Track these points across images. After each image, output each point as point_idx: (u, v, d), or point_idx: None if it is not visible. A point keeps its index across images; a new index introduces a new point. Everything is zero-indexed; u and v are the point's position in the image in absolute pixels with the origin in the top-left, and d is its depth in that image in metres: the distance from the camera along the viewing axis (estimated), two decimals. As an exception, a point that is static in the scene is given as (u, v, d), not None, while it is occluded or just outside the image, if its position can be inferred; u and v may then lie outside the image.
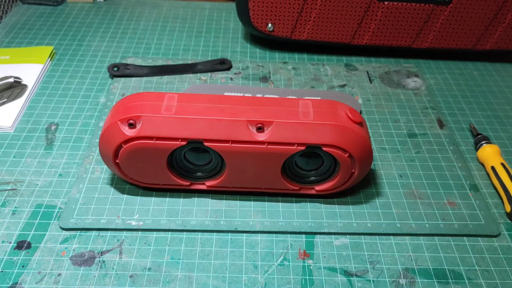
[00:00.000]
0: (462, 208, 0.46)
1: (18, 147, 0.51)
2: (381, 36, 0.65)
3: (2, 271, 0.39)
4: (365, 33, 0.65)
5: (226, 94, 0.58)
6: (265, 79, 0.63)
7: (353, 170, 0.43)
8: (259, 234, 0.43)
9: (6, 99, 0.56)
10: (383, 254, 0.42)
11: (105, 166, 0.48)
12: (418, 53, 0.69)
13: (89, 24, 0.74)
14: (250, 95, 0.58)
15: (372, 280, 0.40)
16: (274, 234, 0.43)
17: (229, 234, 0.43)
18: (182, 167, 0.45)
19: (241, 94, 0.58)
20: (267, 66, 0.65)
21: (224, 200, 0.46)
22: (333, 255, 0.42)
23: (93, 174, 0.48)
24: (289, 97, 0.52)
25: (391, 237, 0.43)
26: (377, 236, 0.43)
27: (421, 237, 0.43)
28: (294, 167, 0.44)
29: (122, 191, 0.46)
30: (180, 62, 0.65)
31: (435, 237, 0.44)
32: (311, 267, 0.41)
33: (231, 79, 0.62)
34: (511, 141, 0.55)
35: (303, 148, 0.41)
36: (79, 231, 0.43)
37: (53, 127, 0.54)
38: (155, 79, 0.62)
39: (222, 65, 0.64)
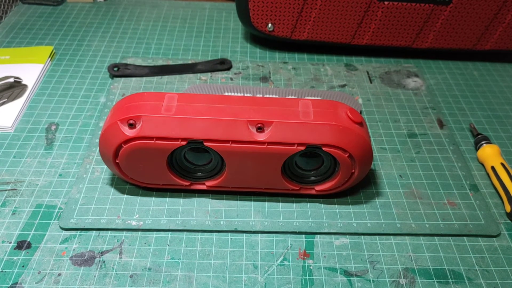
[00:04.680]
0: (462, 208, 0.46)
1: (18, 147, 0.51)
2: (381, 36, 0.65)
3: (2, 271, 0.39)
4: (365, 33, 0.65)
5: (226, 94, 0.58)
6: (265, 79, 0.63)
7: (353, 170, 0.43)
8: (259, 234, 0.43)
9: (6, 99, 0.56)
10: (383, 254, 0.42)
11: (105, 166, 0.48)
12: (418, 53, 0.69)
13: (89, 24, 0.74)
14: (250, 95, 0.58)
15: (372, 280, 0.40)
16: (274, 234, 0.43)
17: (229, 234, 0.43)
18: (182, 167, 0.45)
19: (241, 94, 0.58)
20: (267, 66, 0.65)
21: (224, 200, 0.46)
22: (333, 255, 0.42)
23: (93, 174, 0.48)
24: (289, 97, 0.52)
25: (391, 237, 0.43)
26: (377, 236, 0.43)
27: (421, 237, 0.43)
28: (294, 167, 0.44)
29: (122, 191, 0.46)
30: (180, 62, 0.65)
31: (435, 237, 0.44)
32: (311, 267, 0.41)
33: (231, 79, 0.62)
34: (511, 141, 0.55)
35: (303, 148, 0.41)
36: (79, 231, 0.43)
37: (53, 127, 0.54)
38: (155, 79, 0.62)
39: (222, 65, 0.64)
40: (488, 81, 0.65)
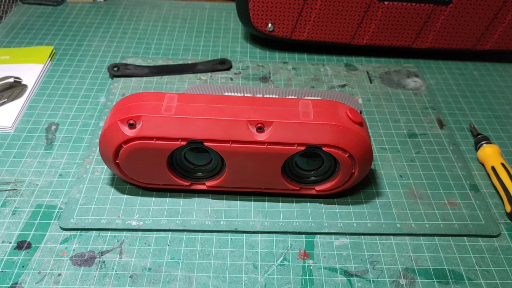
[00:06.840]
0: (462, 208, 0.46)
1: (18, 147, 0.51)
2: (381, 36, 0.65)
3: (2, 271, 0.39)
4: (365, 33, 0.65)
5: (226, 94, 0.58)
6: (265, 79, 0.63)
7: (353, 170, 0.43)
8: (259, 234, 0.43)
9: (6, 99, 0.56)
10: (383, 254, 0.42)
11: (105, 166, 0.48)
12: (418, 53, 0.69)
13: (89, 24, 0.74)
14: (250, 95, 0.58)
15: (372, 280, 0.40)
16: (274, 234, 0.43)
17: (229, 234, 0.43)
18: (182, 167, 0.45)
19: (241, 94, 0.58)
20: (267, 66, 0.65)
21: (224, 200, 0.46)
22: (333, 255, 0.42)
23: (93, 174, 0.48)
24: (289, 97, 0.52)
25: (391, 237, 0.43)
26: (377, 236, 0.43)
27: (421, 237, 0.43)
28: (294, 167, 0.44)
29: (122, 191, 0.46)
30: (180, 62, 0.65)
31: (435, 237, 0.44)
32: (311, 267, 0.41)
33: (231, 79, 0.62)
34: (511, 141, 0.55)
35: (303, 148, 0.41)
36: (79, 231, 0.43)
37: (53, 127, 0.54)
38: (155, 79, 0.62)
39: (222, 65, 0.64)
40: (488, 81, 0.65)
